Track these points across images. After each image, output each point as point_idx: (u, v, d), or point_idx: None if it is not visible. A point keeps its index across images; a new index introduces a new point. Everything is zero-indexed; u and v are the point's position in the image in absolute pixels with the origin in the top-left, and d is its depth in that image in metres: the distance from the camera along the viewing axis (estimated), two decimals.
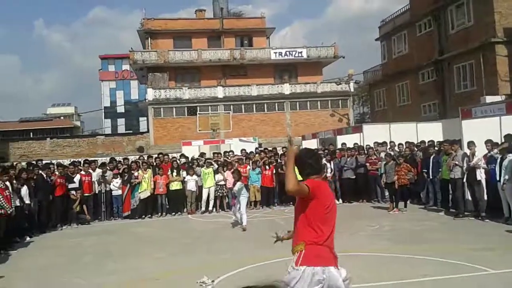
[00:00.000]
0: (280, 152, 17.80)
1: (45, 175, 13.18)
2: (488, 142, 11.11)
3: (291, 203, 14.71)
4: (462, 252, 7.98)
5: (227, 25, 39.92)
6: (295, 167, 3.70)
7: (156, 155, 17.25)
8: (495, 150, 10.86)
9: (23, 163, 17.40)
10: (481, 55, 23.84)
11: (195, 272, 7.39)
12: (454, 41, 26.32)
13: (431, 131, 16.50)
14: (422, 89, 30.00)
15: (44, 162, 16.61)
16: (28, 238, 11.63)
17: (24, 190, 11.64)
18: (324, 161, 15.38)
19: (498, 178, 10.56)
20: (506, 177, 10.19)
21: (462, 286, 6.21)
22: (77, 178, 13.96)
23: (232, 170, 13.58)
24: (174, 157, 16.91)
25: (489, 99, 18.62)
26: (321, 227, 3.62)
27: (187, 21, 40.17)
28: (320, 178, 3.82)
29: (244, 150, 17.93)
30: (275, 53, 38.87)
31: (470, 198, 11.78)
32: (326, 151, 16.58)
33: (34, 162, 14.84)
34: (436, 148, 13.71)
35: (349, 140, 17.96)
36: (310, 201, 3.62)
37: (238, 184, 11.79)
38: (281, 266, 7.03)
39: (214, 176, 15.04)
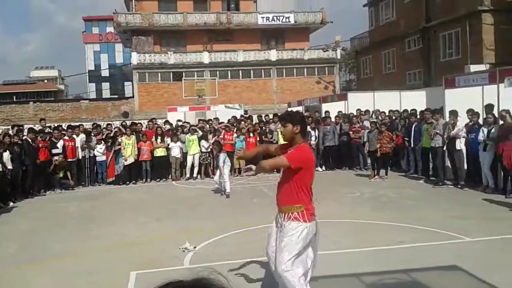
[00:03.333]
0: (264, 120, 17.84)
1: (30, 140, 13.10)
2: (469, 111, 11.23)
3: (275, 171, 14.85)
4: (440, 219, 8.19)
5: None
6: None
7: (147, 121, 17.21)
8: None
9: (5, 127, 17.19)
10: (467, 24, 23.79)
11: (178, 237, 7.51)
12: (441, 9, 26.15)
13: (415, 100, 16.57)
14: (408, 57, 29.98)
15: (27, 126, 16.42)
16: (11, 204, 11.63)
17: (6, 155, 11.55)
18: (308, 128, 15.49)
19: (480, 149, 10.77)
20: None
21: (438, 253, 6.38)
22: (60, 143, 13.87)
23: (212, 141, 13.60)
24: (157, 124, 16.86)
25: (473, 68, 18.70)
26: (310, 190, 4.33)
27: None
28: (305, 143, 4.50)
29: (234, 117, 17.88)
30: (262, 18, 38.24)
31: (450, 166, 12.00)
32: (310, 119, 16.62)
33: (20, 126, 14.70)
34: (418, 117, 13.85)
35: (334, 108, 18.01)
36: (299, 170, 4.22)
37: (222, 155, 11.86)
38: (263, 232, 7.19)
39: (199, 143, 15.05)
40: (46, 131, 14.64)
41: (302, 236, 4.20)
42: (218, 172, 12.07)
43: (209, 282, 0.83)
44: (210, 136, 15.07)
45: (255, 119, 18.86)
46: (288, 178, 4.33)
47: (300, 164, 4.18)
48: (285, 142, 4.54)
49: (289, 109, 24.10)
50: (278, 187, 4.51)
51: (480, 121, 11.22)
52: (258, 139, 15.64)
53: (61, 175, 13.78)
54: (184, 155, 15.18)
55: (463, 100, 11.74)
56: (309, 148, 4.49)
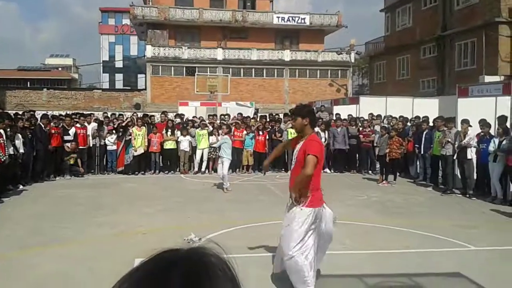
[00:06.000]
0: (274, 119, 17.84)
1: (42, 125, 13.24)
2: (481, 121, 11.17)
3: (283, 169, 14.91)
4: (446, 227, 8.18)
5: None
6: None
7: (159, 114, 17.27)
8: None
9: (19, 112, 17.33)
10: (483, 34, 23.62)
11: (183, 229, 7.57)
12: (458, 18, 26.00)
13: (427, 107, 16.49)
14: (423, 64, 29.83)
15: (40, 113, 16.59)
16: (21, 187, 11.77)
17: (19, 139, 11.68)
18: (318, 129, 15.48)
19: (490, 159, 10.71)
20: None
21: (442, 260, 6.38)
22: (72, 130, 14.00)
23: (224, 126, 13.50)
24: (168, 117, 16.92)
25: (488, 78, 18.61)
26: (317, 178, 4.73)
27: None
28: (314, 133, 4.93)
29: (241, 114, 17.94)
30: (278, 17, 38.18)
31: (459, 175, 11.95)
32: (320, 120, 16.60)
33: (32, 111, 14.83)
34: (429, 124, 13.79)
35: (345, 110, 17.99)
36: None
37: (226, 137, 11.86)
38: (268, 228, 7.26)
39: (208, 138, 15.10)
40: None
41: (308, 221, 4.57)
42: (219, 165, 11.91)
43: (206, 250, 0.85)
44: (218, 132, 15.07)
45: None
46: (298, 167, 4.75)
47: (319, 153, 4.60)
48: (294, 136, 5.17)
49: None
50: (291, 173, 4.99)
51: (492, 131, 11.17)
52: (267, 137, 15.66)
53: (71, 162, 13.92)
54: (194, 149, 15.25)
55: (476, 110, 11.69)
56: (318, 138, 4.87)
